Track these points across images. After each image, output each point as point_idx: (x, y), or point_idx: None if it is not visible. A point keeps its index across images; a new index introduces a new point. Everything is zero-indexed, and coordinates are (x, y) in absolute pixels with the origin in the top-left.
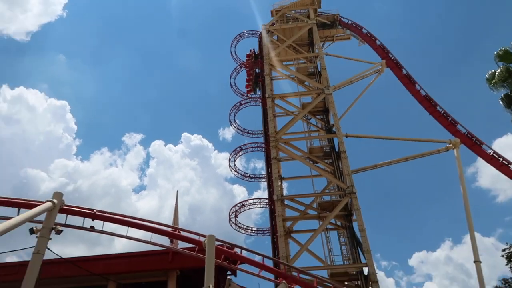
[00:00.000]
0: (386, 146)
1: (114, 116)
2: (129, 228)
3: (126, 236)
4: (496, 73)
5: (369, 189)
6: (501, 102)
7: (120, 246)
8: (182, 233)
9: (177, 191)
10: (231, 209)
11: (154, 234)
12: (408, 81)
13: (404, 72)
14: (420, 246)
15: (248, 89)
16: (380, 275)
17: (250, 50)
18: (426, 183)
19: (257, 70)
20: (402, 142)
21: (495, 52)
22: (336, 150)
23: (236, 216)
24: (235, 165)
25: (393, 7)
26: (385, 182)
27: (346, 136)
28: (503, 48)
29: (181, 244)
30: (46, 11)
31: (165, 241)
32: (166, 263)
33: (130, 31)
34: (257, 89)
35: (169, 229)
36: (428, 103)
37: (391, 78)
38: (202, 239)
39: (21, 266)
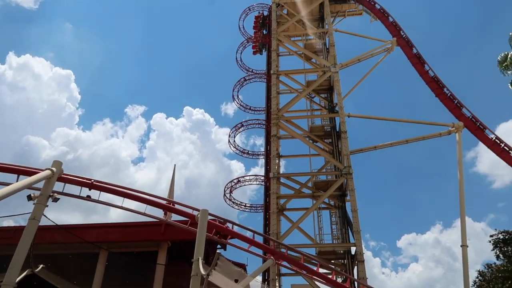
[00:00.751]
0: (388, 128)
1: (118, 87)
2: (125, 199)
3: (122, 206)
4: (509, 56)
5: (366, 170)
6: (510, 86)
7: (115, 216)
8: (177, 206)
9: (175, 165)
10: (227, 184)
11: (149, 206)
12: (418, 61)
13: (414, 51)
14: (411, 228)
15: (255, 50)
16: (367, 255)
17: (259, 12)
18: (424, 166)
19: (265, 32)
20: (404, 124)
21: (510, 33)
22: (337, 130)
23: (231, 192)
24: (234, 141)
25: None
26: (384, 164)
27: (349, 116)
28: None
29: (175, 217)
30: None
31: (159, 213)
32: (158, 234)
33: (138, 2)
34: (263, 50)
35: (164, 202)
36: (436, 85)
37: (400, 57)
38: (195, 213)
39: (17, 231)
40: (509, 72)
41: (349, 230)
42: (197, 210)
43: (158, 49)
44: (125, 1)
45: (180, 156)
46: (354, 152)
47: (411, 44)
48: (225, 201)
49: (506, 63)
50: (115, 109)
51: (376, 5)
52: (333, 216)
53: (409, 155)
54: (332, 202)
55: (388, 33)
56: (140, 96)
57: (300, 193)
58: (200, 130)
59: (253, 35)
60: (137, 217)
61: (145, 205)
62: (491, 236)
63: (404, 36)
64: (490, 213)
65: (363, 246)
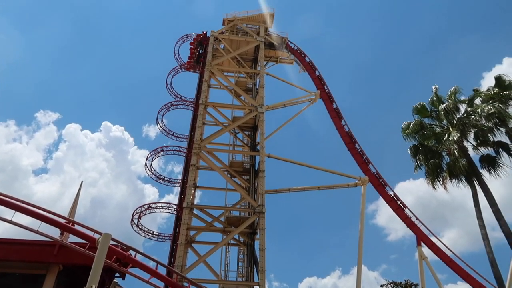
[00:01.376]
0: (303, 172)
1: (32, 88)
2: (17, 212)
3: (10, 221)
4: (411, 125)
5: (279, 210)
6: (409, 152)
7: (1, 231)
8: (76, 226)
9: (82, 181)
10: (136, 209)
11: (44, 223)
12: (336, 115)
13: (334, 106)
14: (313, 271)
15: (189, 66)
16: None
17: (203, 32)
18: (331, 212)
19: (201, 51)
20: (318, 171)
21: (414, 105)
22: (256, 168)
23: (139, 217)
24: (151, 165)
25: (338, 42)
26: (295, 205)
27: (268, 157)
28: (421, 103)
29: (73, 238)
30: None
31: (55, 232)
32: (49, 256)
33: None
34: (197, 69)
35: (62, 221)
36: (349, 139)
37: (322, 108)
38: (96, 236)
39: None
40: (410, 139)
41: (255, 269)
42: (99, 233)
43: (84, 55)
44: None
45: (90, 173)
46: (269, 192)
47: (332, 99)
48: (132, 226)
49: (408, 131)
50: (23, 112)
51: (306, 58)
52: (241, 253)
53: (320, 200)
54: (241, 239)
55: (313, 85)
56: (56, 102)
57: (212, 226)
58: (117, 148)
59: (185, 64)
60: (28, 234)
61: (39, 222)
62: (381, 286)
63: (327, 90)
64: (383, 264)
65: (266, 286)
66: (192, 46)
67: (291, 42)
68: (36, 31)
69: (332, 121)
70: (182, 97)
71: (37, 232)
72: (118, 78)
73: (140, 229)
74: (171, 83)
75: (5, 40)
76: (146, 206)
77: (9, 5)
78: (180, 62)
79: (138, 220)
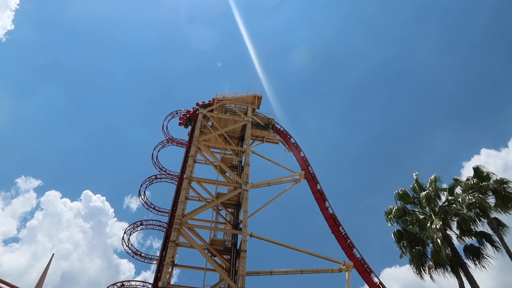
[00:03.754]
0: (287, 253)
1: (16, 153)
2: None
3: None
4: (394, 210)
5: None
6: (393, 236)
7: None
8: None
9: (53, 254)
10: (108, 287)
11: None
12: (320, 196)
13: (318, 187)
14: None
15: (181, 121)
16: None
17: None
18: None
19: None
20: (302, 253)
21: (396, 191)
22: (237, 247)
23: None
24: (129, 239)
25: (322, 127)
26: None
27: (251, 236)
28: (403, 189)
29: None
30: None
31: None
32: None
33: (66, 70)
34: (189, 125)
35: None
36: (333, 222)
37: (307, 188)
38: None
39: None
40: (393, 223)
41: None
42: None
43: (72, 122)
44: (49, 65)
45: (63, 244)
46: (250, 274)
47: (316, 180)
48: None
49: (391, 216)
50: (4, 177)
51: (292, 139)
52: None
53: (303, 285)
54: None
55: (298, 165)
56: (38, 169)
57: None
58: (96, 219)
59: (172, 138)
60: None
61: None
62: None
63: (311, 171)
64: None
65: None
66: (196, 107)
67: (277, 123)
68: (23, 97)
69: (316, 202)
70: (166, 171)
71: None
72: (103, 146)
73: None
74: (157, 156)
75: None
76: (118, 284)
77: (2, 72)
78: (168, 136)
79: None
